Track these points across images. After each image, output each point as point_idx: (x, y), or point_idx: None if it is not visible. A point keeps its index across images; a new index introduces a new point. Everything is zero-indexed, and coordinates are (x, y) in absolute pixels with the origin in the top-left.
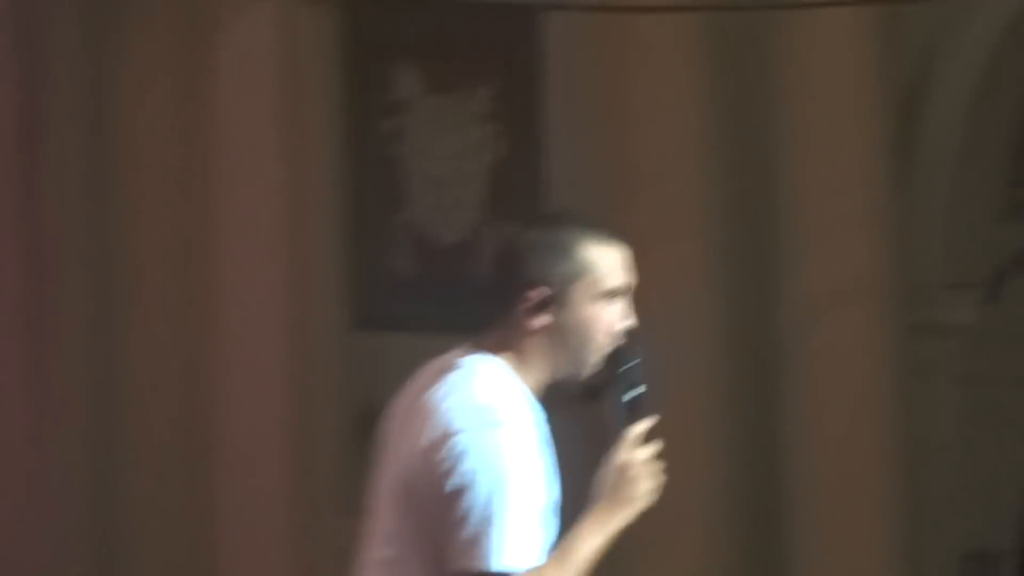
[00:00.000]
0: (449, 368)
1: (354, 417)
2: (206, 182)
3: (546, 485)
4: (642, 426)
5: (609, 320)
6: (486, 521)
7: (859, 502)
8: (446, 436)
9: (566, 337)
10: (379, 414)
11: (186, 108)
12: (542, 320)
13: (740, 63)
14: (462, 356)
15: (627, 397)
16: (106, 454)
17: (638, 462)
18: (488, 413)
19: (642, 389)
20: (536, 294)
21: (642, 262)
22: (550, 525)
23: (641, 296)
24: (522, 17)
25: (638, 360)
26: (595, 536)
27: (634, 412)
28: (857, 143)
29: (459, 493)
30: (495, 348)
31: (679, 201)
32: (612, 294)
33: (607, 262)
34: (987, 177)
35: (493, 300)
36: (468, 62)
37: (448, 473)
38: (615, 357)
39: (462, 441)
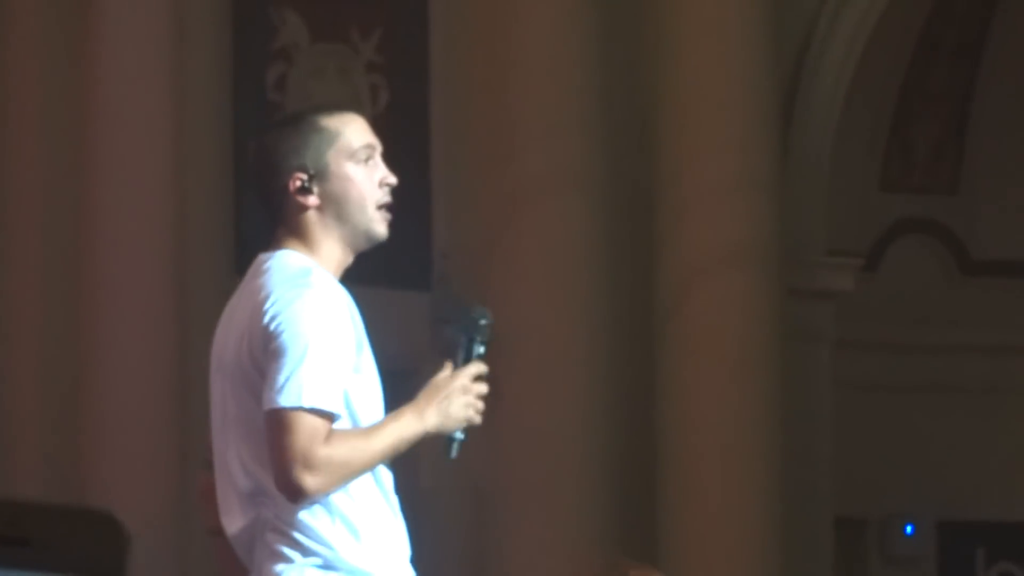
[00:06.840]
0: (260, 267)
1: None
2: (88, 119)
3: (356, 348)
4: (483, 368)
5: (370, 175)
6: (290, 363)
7: (735, 465)
8: (264, 299)
9: (339, 204)
10: None
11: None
12: (312, 199)
13: (627, 22)
14: (267, 257)
15: (476, 352)
16: None
17: (471, 389)
18: (300, 276)
19: (482, 350)
20: (296, 178)
21: (523, 217)
22: (369, 395)
23: (520, 252)
24: None
25: (487, 320)
26: (405, 425)
27: (475, 357)
28: (741, 108)
29: (271, 343)
30: (287, 243)
31: (561, 157)
32: (365, 151)
33: (350, 126)
34: (866, 149)
35: (267, 208)
36: (354, 9)
37: (266, 328)
38: (461, 307)
39: (276, 300)
